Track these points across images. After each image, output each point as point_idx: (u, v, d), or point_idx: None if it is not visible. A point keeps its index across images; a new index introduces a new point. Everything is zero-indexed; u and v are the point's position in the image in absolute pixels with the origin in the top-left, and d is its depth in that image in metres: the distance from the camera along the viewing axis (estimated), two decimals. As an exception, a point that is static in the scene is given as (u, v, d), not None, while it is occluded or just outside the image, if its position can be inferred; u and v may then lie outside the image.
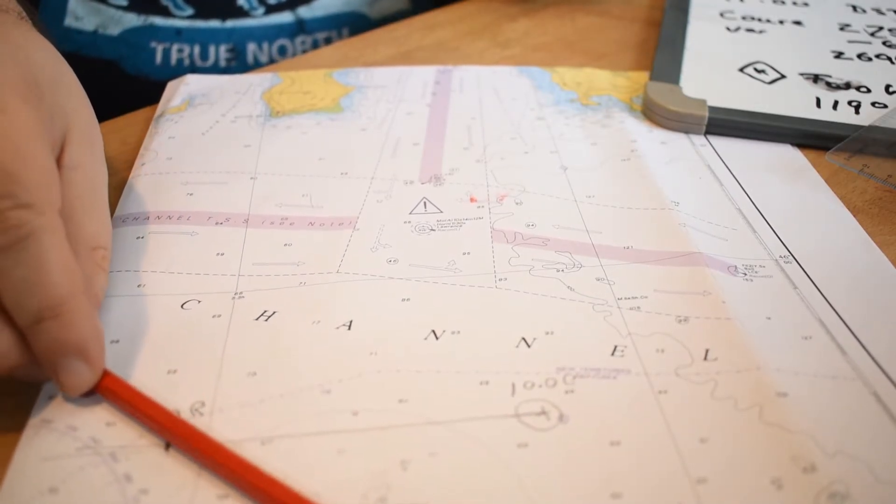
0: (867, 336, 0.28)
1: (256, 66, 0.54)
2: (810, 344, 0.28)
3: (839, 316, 0.29)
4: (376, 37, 0.53)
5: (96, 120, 0.31)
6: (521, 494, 0.23)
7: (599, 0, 0.59)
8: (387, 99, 0.44)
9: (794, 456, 0.24)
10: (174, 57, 0.52)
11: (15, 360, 0.25)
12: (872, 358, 0.27)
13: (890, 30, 0.51)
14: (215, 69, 0.53)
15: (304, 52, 0.55)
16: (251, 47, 0.54)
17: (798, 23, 0.52)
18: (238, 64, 0.54)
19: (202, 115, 0.42)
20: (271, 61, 0.54)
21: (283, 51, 0.55)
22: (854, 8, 0.54)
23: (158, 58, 0.52)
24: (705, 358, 0.27)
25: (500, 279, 0.31)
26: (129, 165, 0.38)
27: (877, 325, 0.29)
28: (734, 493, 0.23)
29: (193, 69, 0.53)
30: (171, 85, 0.45)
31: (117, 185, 0.37)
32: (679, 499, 0.23)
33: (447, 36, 0.53)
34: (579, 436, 0.25)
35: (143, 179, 0.36)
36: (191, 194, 0.35)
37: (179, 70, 0.53)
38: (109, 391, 0.25)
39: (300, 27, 0.55)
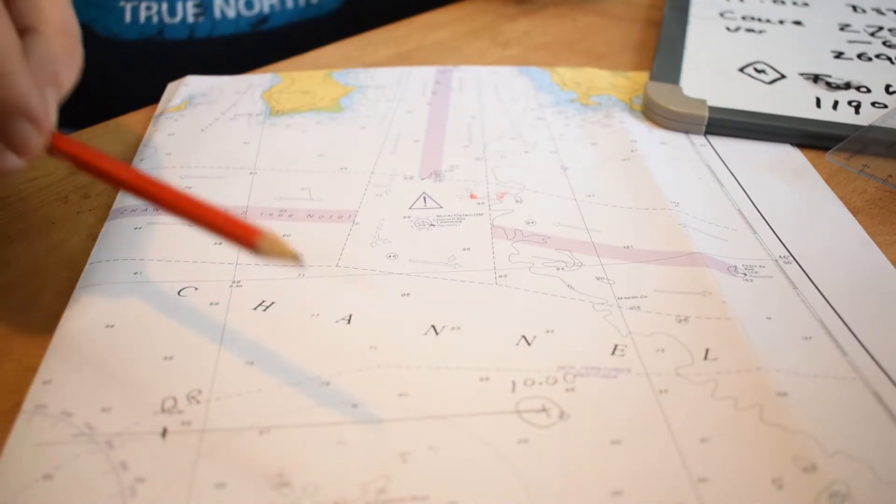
0: (867, 336, 0.28)
1: (224, 21, 0.54)
2: (810, 344, 0.28)
3: (839, 316, 0.29)
4: (376, 37, 0.53)
5: None
6: (521, 489, 0.23)
7: (599, 0, 0.59)
8: (387, 98, 0.44)
9: (794, 456, 0.24)
10: (143, 14, 0.52)
11: None
12: (872, 358, 0.27)
13: (890, 30, 0.51)
14: (183, 25, 0.53)
15: (272, 6, 0.55)
16: (218, 2, 0.54)
17: (798, 23, 0.52)
18: (206, 19, 0.54)
19: (202, 113, 0.42)
20: (238, 16, 0.54)
21: (249, 5, 0.55)
22: (854, 8, 0.54)
23: (128, 16, 0.52)
24: (706, 358, 0.27)
25: (501, 276, 0.31)
26: (129, 164, 0.38)
27: (877, 325, 0.29)
28: (735, 493, 0.23)
29: (162, 26, 0.53)
30: (170, 86, 0.45)
31: (116, 184, 0.37)
32: (681, 498, 0.23)
33: (447, 36, 0.53)
34: (580, 433, 0.24)
35: (142, 177, 0.36)
36: (189, 187, 0.36)
37: (148, 27, 0.53)
38: (61, 150, 0.26)
39: None
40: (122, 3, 0.52)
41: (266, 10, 0.55)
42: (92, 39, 0.52)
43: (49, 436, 0.24)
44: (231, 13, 0.54)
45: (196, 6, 0.53)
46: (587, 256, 0.32)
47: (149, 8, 0.52)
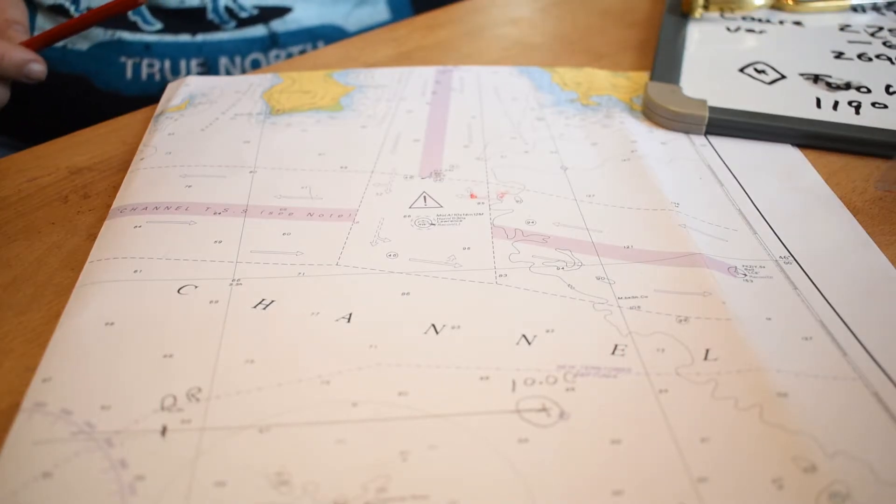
0: (867, 336, 0.28)
1: None
2: (810, 344, 0.28)
3: (839, 316, 0.29)
4: (376, 37, 0.53)
5: None
6: (522, 489, 0.23)
7: (599, 0, 0.59)
8: (387, 98, 0.44)
9: (794, 456, 0.24)
10: (144, 71, 0.52)
11: None
12: (872, 358, 0.27)
13: (890, 30, 0.51)
14: None
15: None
16: (223, 61, 0.53)
17: (798, 23, 0.52)
18: None
19: (202, 112, 0.42)
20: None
21: (256, 64, 0.54)
22: (854, 8, 0.54)
23: (129, 72, 0.51)
24: (706, 358, 0.27)
25: (501, 275, 0.31)
26: (129, 165, 0.38)
27: (877, 325, 0.29)
28: (735, 493, 0.23)
29: (164, 84, 0.52)
30: (171, 86, 0.45)
31: (116, 184, 0.37)
32: (680, 498, 0.23)
33: (447, 36, 0.53)
34: (580, 433, 0.24)
35: (141, 173, 0.36)
36: (189, 186, 0.36)
37: (150, 85, 0.52)
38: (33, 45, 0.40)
39: (273, 41, 0.54)
40: (122, 59, 0.51)
41: None
42: (92, 92, 0.51)
43: (48, 434, 0.24)
44: (236, 73, 0.53)
45: (200, 65, 0.52)
46: (587, 256, 0.32)
47: (150, 65, 0.51)
